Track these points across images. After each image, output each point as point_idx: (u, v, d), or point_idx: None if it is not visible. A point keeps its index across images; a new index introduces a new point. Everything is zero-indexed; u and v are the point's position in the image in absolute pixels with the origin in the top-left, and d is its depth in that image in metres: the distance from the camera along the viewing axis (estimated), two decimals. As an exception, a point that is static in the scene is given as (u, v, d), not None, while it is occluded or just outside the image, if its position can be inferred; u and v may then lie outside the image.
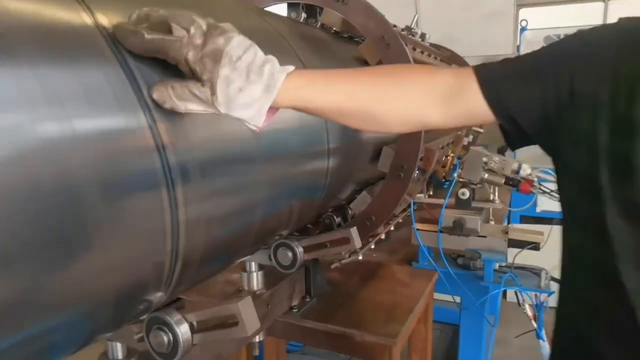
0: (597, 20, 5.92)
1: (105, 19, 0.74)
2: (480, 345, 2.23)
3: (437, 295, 2.36)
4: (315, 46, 1.45)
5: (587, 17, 6.18)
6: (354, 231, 1.36)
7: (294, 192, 1.20)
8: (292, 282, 1.71)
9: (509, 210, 3.68)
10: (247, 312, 0.83)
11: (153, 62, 0.77)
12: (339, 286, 1.97)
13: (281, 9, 1.82)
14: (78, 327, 0.75)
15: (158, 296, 0.88)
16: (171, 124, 0.78)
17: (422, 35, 2.63)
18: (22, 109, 0.56)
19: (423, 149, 1.79)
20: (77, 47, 0.67)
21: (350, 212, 1.74)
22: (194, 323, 0.92)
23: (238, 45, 0.69)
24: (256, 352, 1.65)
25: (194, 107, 0.71)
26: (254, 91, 0.70)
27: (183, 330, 0.90)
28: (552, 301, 2.31)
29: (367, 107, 0.82)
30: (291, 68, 0.75)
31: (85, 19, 0.72)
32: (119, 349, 1.05)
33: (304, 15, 1.77)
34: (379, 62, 1.56)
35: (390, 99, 0.82)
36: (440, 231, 2.11)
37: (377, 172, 1.71)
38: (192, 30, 0.68)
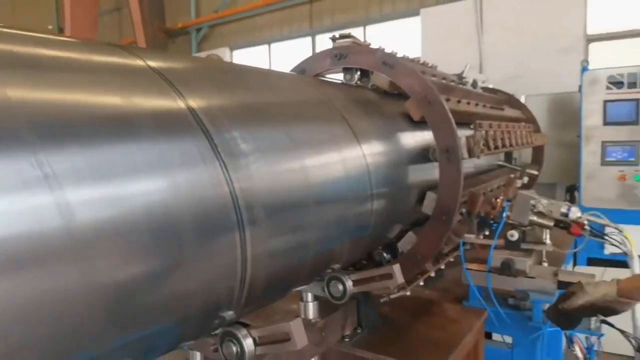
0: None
1: (196, 101, 1.03)
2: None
3: (495, 337, 2.44)
4: (364, 107, 1.69)
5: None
6: (396, 268, 1.53)
7: (342, 232, 1.41)
8: (344, 314, 1.90)
9: (574, 253, 3.61)
10: (298, 330, 1.04)
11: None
12: (391, 320, 2.11)
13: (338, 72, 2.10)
14: (172, 333, 1.00)
15: (229, 314, 1.12)
16: (242, 177, 1.04)
17: (474, 83, 2.79)
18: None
19: (467, 194, 1.94)
20: (176, 127, 0.96)
21: (399, 249, 1.91)
22: (257, 338, 1.14)
23: None
24: (311, 376, 1.83)
25: None
26: None
27: (248, 343, 1.12)
28: (604, 344, 2.29)
29: None
30: None
31: (180, 104, 1.01)
32: (198, 357, 1.30)
33: (357, 76, 2.02)
34: (422, 118, 1.76)
35: None
36: (489, 271, 2.19)
37: (424, 213, 1.88)
38: None
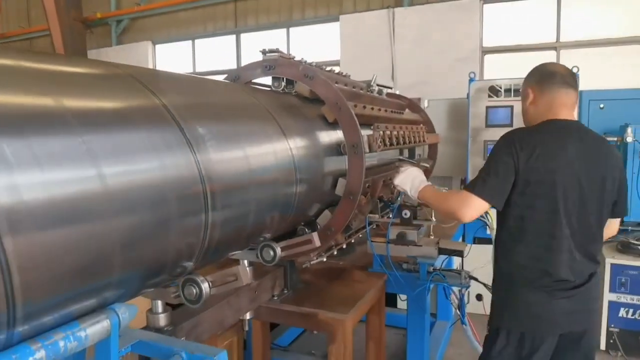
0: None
1: (166, 100, 1.39)
2: (422, 334, 2.82)
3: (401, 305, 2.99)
4: (289, 110, 2.12)
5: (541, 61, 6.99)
6: (314, 235, 1.99)
7: (273, 208, 1.84)
8: (274, 277, 2.33)
9: (463, 232, 4.36)
10: (243, 271, 1.45)
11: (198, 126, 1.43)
12: (311, 284, 2.59)
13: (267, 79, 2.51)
14: (150, 275, 1.36)
15: (190, 265, 1.50)
16: (205, 160, 1.41)
17: (380, 91, 3.34)
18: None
19: (370, 180, 2.46)
20: (157, 119, 1.32)
21: (318, 225, 2.37)
22: (210, 282, 1.54)
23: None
24: (245, 327, 2.24)
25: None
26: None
27: (205, 285, 1.51)
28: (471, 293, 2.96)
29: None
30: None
31: (156, 101, 1.37)
32: (159, 305, 1.65)
33: (283, 84, 2.45)
34: (335, 120, 2.23)
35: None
36: (388, 242, 2.74)
37: (338, 196, 2.36)
38: None
